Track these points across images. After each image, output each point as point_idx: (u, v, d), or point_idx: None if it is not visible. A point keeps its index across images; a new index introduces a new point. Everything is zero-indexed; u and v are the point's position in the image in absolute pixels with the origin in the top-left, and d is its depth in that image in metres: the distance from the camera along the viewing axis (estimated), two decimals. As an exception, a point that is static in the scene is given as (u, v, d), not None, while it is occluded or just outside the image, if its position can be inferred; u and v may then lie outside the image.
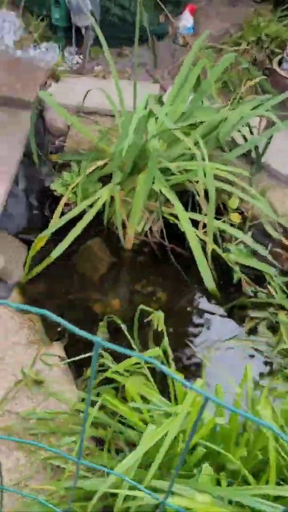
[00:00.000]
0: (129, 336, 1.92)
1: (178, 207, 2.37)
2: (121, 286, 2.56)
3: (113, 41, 3.52)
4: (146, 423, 1.42)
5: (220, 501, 1.13)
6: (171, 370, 1.46)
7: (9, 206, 2.52)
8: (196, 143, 2.12)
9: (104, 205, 2.57)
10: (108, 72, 3.43)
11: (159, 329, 1.90)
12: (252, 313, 2.39)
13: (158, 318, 1.88)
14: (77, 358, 1.82)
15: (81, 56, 3.53)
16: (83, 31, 3.31)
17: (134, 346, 1.87)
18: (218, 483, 1.28)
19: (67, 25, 3.29)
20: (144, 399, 1.48)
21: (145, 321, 2.05)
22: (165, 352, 1.80)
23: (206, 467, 1.20)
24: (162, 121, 2.30)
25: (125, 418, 1.50)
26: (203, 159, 2.03)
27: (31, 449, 1.54)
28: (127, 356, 1.92)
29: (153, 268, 2.62)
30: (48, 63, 3.16)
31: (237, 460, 1.24)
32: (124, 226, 2.58)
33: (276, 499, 1.23)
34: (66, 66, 3.43)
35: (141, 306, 1.96)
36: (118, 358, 1.92)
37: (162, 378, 1.70)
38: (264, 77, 2.50)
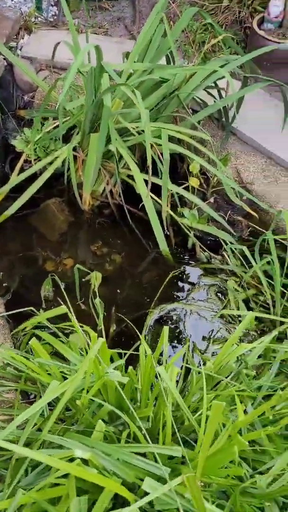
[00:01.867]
0: (65, 295, 1.93)
1: (133, 168, 2.34)
2: (76, 246, 2.56)
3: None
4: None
5: (106, 458, 1.17)
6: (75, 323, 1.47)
7: None
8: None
9: (64, 164, 2.54)
10: (87, 26, 3.32)
11: (95, 289, 1.91)
12: (204, 279, 2.39)
13: (94, 278, 1.89)
14: (10, 312, 1.84)
15: (58, 8, 3.40)
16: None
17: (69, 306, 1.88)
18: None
19: (43, -26, 3.15)
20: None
21: (83, 279, 2.06)
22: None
23: (99, 424, 1.23)
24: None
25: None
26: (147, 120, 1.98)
27: None
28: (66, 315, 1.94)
29: (111, 230, 2.61)
30: (17, 12, 3.04)
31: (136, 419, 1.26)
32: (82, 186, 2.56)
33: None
34: (42, 17, 3.31)
35: (77, 266, 1.96)
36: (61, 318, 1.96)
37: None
38: (229, 35, 2.40)
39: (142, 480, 1.23)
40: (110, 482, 1.02)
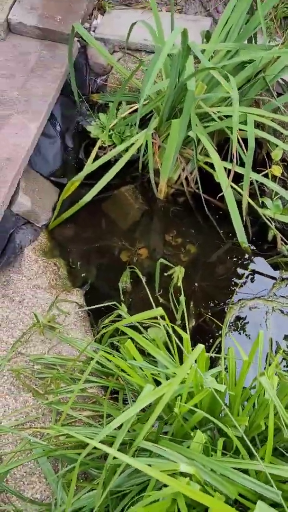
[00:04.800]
0: (147, 289, 1.88)
1: (213, 156, 2.23)
2: (150, 236, 2.50)
3: None
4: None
5: (209, 472, 1.11)
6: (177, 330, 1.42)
7: (43, 147, 2.48)
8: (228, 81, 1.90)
9: (140, 150, 2.47)
10: (161, 4, 3.18)
11: (178, 284, 1.84)
12: (285, 274, 2.27)
13: (178, 273, 1.82)
14: (93, 307, 1.82)
15: (131, -15, 3.28)
16: None
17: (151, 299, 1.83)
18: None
19: None
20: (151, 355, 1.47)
21: (165, 274, 2.00)
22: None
23: (198, 434, 1.17)
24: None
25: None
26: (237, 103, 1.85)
27: (40, 392, 1.59)
28: (145, 307, 1.90)
29: (186, 219, 2.52)
30: (93, -7, 2.95)
31: (237, 429, 1.20)
32: (159, 174, 2.48)
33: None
34: (115, -4, 3.21)
35: (161, 260, 1.90)
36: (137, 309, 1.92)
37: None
38: None
39: (241, 496, 1.17)
40: (218, 504, 0.96)
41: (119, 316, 1.81)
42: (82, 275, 2.18)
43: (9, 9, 2.62)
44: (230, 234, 2.39)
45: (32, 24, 2.62)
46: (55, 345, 1.72)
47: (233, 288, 2.27)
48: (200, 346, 1.19)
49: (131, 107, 2.59)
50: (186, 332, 1.44)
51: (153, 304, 1.80)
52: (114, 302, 1.74)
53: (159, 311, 1.29)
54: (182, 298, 1.75)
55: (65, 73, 2.59)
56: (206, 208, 2.42)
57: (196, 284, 2.22)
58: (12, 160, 2.07)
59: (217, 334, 1.99)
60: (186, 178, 2.52)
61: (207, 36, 2.49)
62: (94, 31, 2.98)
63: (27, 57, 2.56)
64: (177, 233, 2.49)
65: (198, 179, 2.43)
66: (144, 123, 2.56)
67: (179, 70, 2.02)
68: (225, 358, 1.60)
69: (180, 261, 2.35)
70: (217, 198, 2.37)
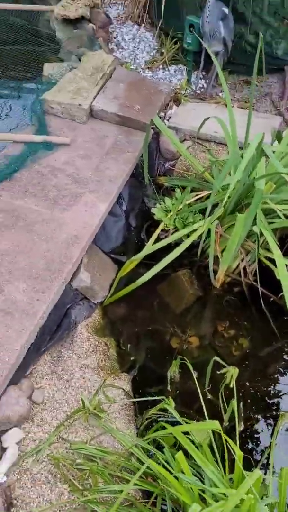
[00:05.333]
0: (197, 385, 1.82)
1: (276, 252, 2.21)
2: (202, 324, 2.46)
3: (242, 68, 3.44)
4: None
5: None
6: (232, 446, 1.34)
7: (108, 225, 2.56)
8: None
9: (200, 236, 2.50)
10: (234, 100, 3.35)
11: (231, 385, 1.77)
12: None
13: (231, 374, 1.76)
14: (140, 399, 1.77)
15: (206, 81, 3.50)
16: (212, 56, 3.26)
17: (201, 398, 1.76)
18: None
19: (198, 50, 3.27)
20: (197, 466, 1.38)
21: (218, 372, 1.93)
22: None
23: None
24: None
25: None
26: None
27: (77, 486, 1.52)
28: (192, 401, 1.83)
29: (240, 310, 2.48)
30: (172, 86, 3.17)
31: None
32: (216, 261, 2.48)
33: None
34: (190, 89, 3.41)
35: (215, 358, 1.84)
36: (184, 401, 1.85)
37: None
38: None
39: None
40: None
41: (165, 409, 1.75)
42: (131, 358, 2.15)
43: (94, 97, 2.84)
44: (286, 332, 2.31)
45: (113, 111, 2.81)
46: (98, 435, 1.67)
47: (284, 391, 2.16)
48: (257, 473, 1.11)
49: (196, 195, 2.66)
50: (235, 438, 1.36)
51: (202, 401, 1.73)
52: (163, 398, 1.68)
53: (214, 424, 1.23)
54: (234, 402, 1.68)
55: (137, 157, 2.73)
56: (262, 302, 2.37)
57: (247, 384, 2.12)
58: (79, 237, 2.14)
59: (266, 443, 1.87)
60: (244, 269, 2.50)
61: (278, 137, 2.57)
62: (168, 120, 3.15)
63: (104, 140, 2.73)
64: (230, 324, 2.44)
65: (257, 271, 2.41)
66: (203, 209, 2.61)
67: (252, 168, 2.08)
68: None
69: (231, 355, 2.28)
70: (279, 296, 2.32)
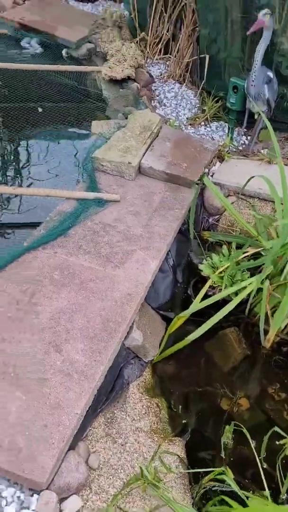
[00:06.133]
0: (255, 453, 1.76)
1: None
2: (251, 385, 2.41)
3: (284, 126, 3.53)
4: None
5: None
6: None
7: (157, 281, 2.58)
8: None
9: (248, 294, 2.50)
10: (275, 157, 3.41)
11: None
12: None
13: (292, 445, 1.70)
14: (196, 470, 1.73)
15: (248, 138, 3.58)
16: (255, 115, 3.36)
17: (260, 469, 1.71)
18: None
19: (241, 109, 3.37)
20: None
21: (277, 443, 1.88)
22: None
23: None
24: None
25: None
26: None
27: None
28: (247, 469, 1.78)
29: (291, 372, 2.43)
30: (215, 144, 3.25)
31: None
32: (266, 321, 2.46)
33: None
34: (232, 146, 3.50)
35: (275, 429, 1.80)
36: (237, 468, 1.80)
37: None
38: None
39: None
40: None
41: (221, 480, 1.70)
42: (183, 421, 2.11)
43: (142, 155, 2.93)
44: None
45: (161, 169, 2.89)
46: (157, 506, 1.62)
47: None
48: None
49: (244, 252, 2.67)
50: None
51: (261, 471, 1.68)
52: (222, 469, 1.64)
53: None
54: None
55: (184, 214, 2.78)
56: (313, 365, 2.33)
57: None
58: (133, 295, 2.16)
59: None
60: (294, 329, 2.47)
61: None
62: (211, 176, 3.22)
63: (152, 197, 2.80)
64: (280, 386, 2.38)
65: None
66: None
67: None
68: None
69: (284, 419, 2.22)
70: None
